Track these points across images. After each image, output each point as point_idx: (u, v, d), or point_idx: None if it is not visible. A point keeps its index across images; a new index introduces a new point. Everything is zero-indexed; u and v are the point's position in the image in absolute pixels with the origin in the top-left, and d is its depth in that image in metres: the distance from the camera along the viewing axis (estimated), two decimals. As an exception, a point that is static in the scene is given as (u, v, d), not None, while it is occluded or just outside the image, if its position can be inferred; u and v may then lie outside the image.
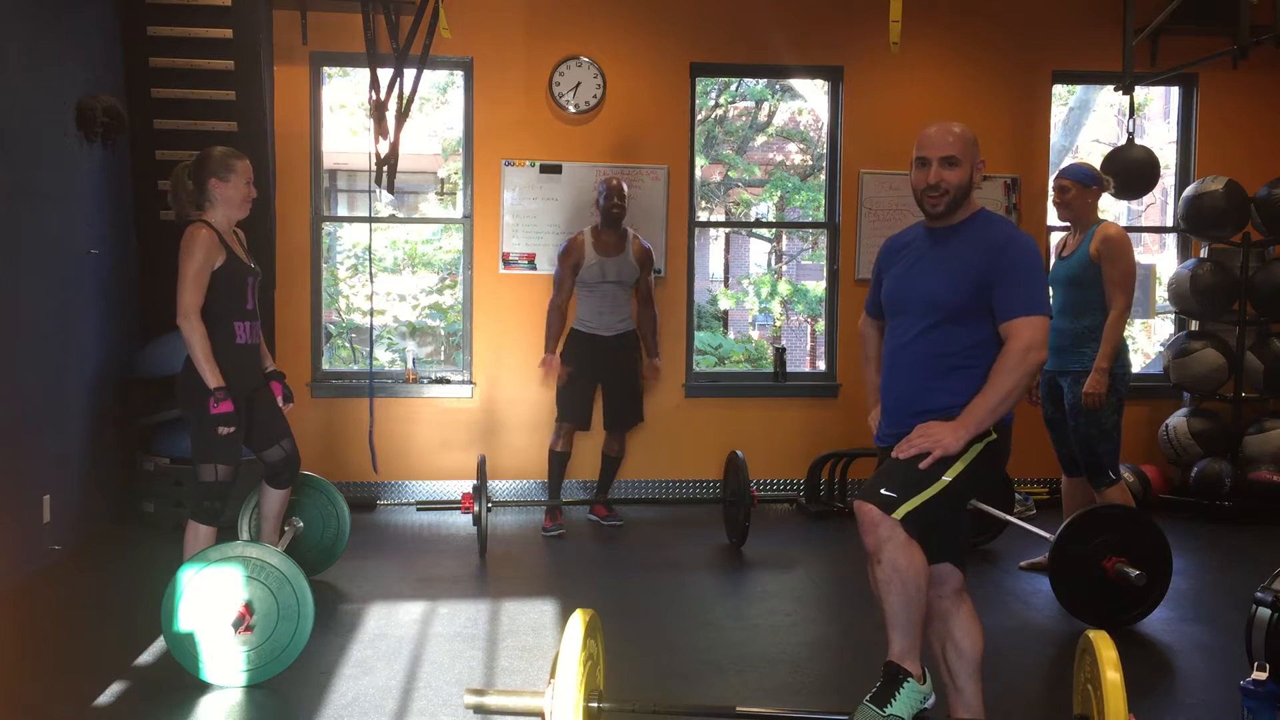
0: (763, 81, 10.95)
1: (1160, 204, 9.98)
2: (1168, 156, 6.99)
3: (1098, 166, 4.81)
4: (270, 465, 4.09)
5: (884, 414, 2.91)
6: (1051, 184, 4.78)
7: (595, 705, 2.54)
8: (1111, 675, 2.38)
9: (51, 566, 4.73)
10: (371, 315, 6.45)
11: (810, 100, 10.78)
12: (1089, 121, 10.41)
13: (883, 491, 2.62)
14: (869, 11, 6.24)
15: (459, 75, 6.78)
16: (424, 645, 3.84)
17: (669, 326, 6.29)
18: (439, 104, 11.03)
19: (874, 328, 3.09)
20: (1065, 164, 4.84)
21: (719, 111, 11.56)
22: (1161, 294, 6.98)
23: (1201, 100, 6.82)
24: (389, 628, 4.04)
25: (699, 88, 6.79)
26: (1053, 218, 6.86)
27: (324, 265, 6.74)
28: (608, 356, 5.66)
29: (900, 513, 2.59)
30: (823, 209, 6.97)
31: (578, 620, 2.45)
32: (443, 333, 10.48)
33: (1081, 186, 4.60)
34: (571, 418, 5.68)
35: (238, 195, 3.78)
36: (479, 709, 2.55)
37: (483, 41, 6.34)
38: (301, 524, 4.58)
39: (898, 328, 2.86)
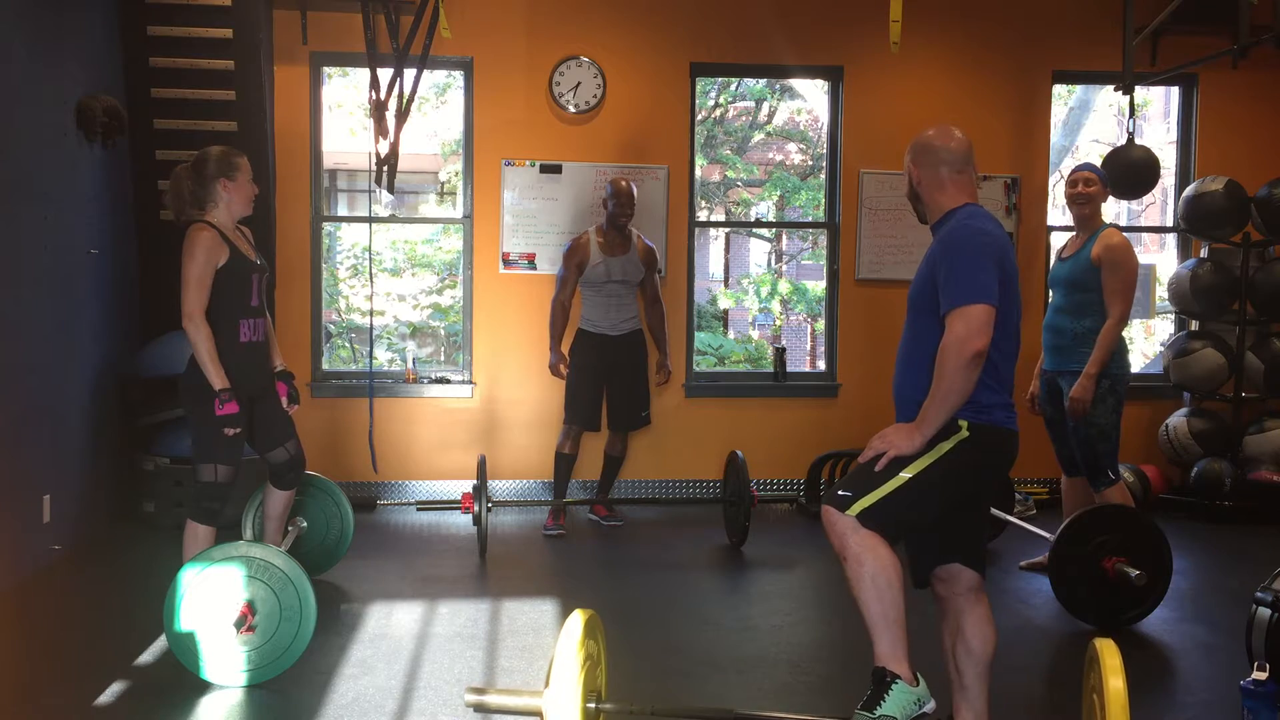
0: (763, 81, 10.94)
1: (1160, 204, 9.98)
2: (1168, 156, 6.99)
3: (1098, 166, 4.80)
4: (275, 466, 4.09)
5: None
6: (1069, 179, 4.72)
7: (593, 706, 2.54)
8: (1114, 683, 2.38)
9: (51, 566, 4.73)
10: (371, 315, 6.46)
11: (810, 100, 10.78)
12: (1089, 121, 10.40)
13: (839, 492, 2.69)
14: (869, 11, 6.24)
15: (459, 75, 6.78)
16: (424, 645, 3.84)
17: (669, 327, 6.29)
18: (439, 104, 11.02)
19: None
20: (1076, 162, 4.81)
21: (719, 111, 11.56)
22: (1161, 294, 6.98)
23: (1201, 100, 6.82)
24: (389, 628, 4.04)
25: (699, 88, 6.79)
26: (1053, 218, 6.87)
27: (324, 265, 6.74)
28: (614, 356, 5.67)
29: (854, 510, 2.63)
30: (823, 209, 6.98)
31: (576, 620, 2.45)
32: (443, 333, 10.48)
33: (1103, 184, 4.60)
34: (579, 420, 5.68)
35: (245, 193, 3.82)
36: (479, 707, 2.55)
37: (483, 41, 6.34)
38: (305, 524, 4.58)
39: (905, 327, 2.89)
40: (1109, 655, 2.44)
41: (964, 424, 2.66)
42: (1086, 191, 4.58)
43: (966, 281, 2.63)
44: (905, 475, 2.65)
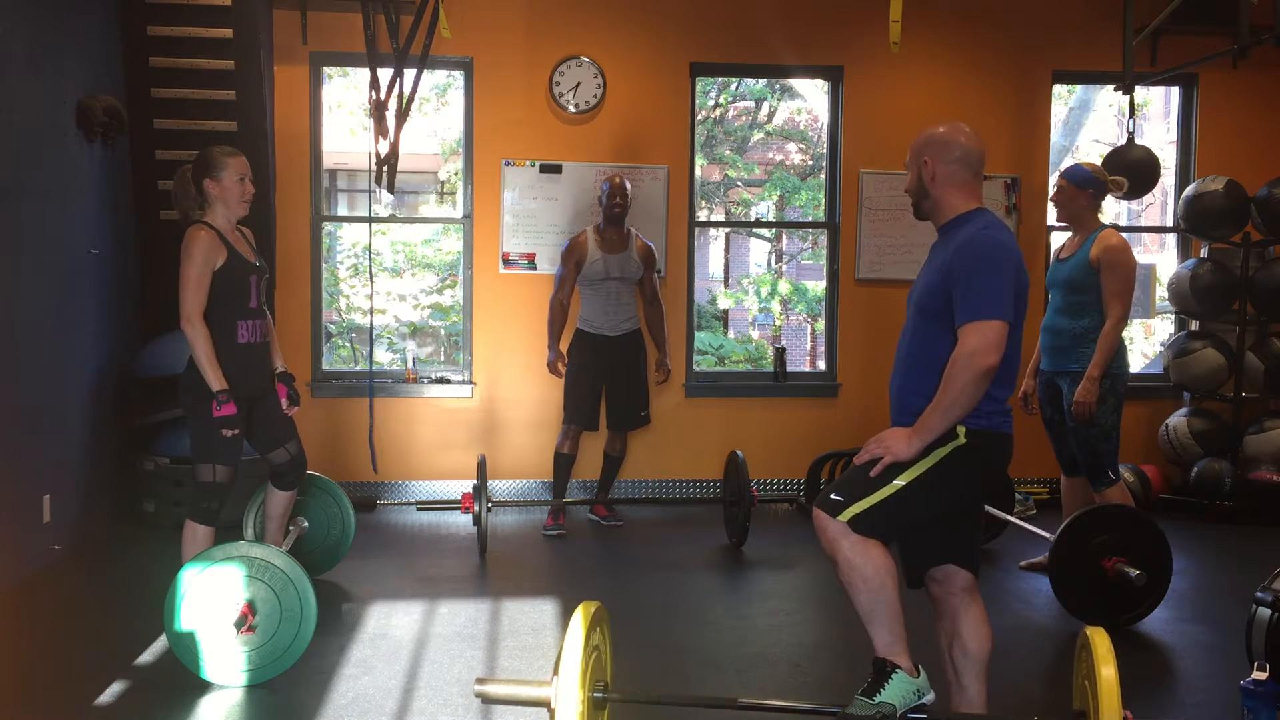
0: (763, 81, 10.94)
1: (1160, 204, 9.98)
2: (1168, 156, 6.99)
3: (1098, 166, 4.80)
4: (276, 467, 4.09)
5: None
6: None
7: (600, 695, 2.55)
8: (1106, 671, 2.39)
9: (51, 566, 4.73)
10: (371, 315, 6.46)
11: (810, 100, 10.78)
12: (1089, 121, 10.41)
13: (831, 496, 2.68)
14: (869, 11, 6.24)
15: (459, 75, 6.78)
16: (424, 645, 3.84)
17: (669, 327, 6.30)
18: (439, 104, 11.03)
19: None
20: (1069, 164, 4.85)
21: (719, 111, 11.56)
22: (1161, 294, 6.98)
23: (1201, 100, 6.82)
24: (389, 628, 4.04)
25: (699, 87, 6.79)
26: (1053, 218, 6.87)
27: (324, 265, 6.74)
28: (612, 356, 5.66)
29: (845, 516, 2.63)
30: (823, 209, 6.98)
31: (583, 612, 2.47)
32: (443, 333, 10.48)
33: (1075, 188, 4.58)
34: (578, 419, 5.68)
35: (232, 193, 3.75)
36: (486, 698, 2.55)
37: (483, 41, 6.34)
38: (306, 524, 4.59)
39: (904, 328, 2.87)
40: (1101, 644, 2.45)
41: (961, 430, 2.65)
42: (1057, 197, 4.65)
43: (986, 296, 2.60)
44: (899, 483, 2.63)
